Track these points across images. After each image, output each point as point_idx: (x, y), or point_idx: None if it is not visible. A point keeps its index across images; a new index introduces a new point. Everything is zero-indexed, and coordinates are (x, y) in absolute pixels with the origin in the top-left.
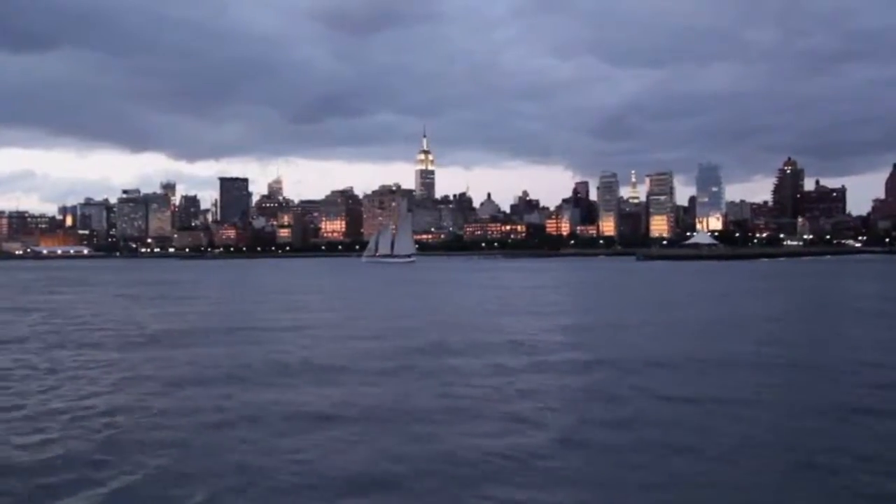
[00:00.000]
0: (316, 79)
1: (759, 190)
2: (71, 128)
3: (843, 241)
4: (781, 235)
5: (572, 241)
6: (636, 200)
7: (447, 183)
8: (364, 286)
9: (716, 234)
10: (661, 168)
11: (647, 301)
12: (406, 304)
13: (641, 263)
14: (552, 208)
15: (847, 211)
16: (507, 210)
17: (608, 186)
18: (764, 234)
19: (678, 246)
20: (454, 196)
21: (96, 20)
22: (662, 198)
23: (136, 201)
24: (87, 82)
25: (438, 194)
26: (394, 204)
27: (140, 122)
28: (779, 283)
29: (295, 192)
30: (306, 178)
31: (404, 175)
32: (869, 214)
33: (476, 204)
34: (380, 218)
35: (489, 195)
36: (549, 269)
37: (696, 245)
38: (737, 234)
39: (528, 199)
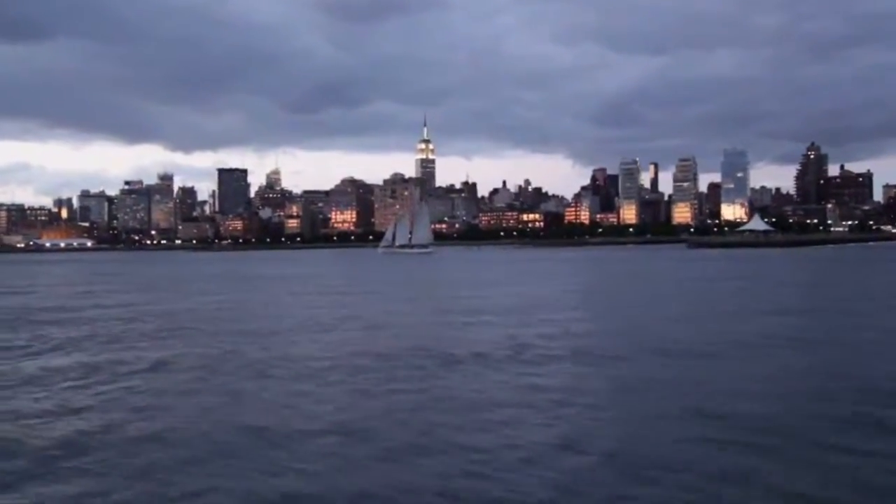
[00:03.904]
0: (315, 68)
1: (763, 176)
2: (66, 119)
3: (880, 227)
4: (829, 222)
5: (599, 230)
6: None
7: (447, 172)
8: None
9: (774, 220)
10: (665, 155)
11: None
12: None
13: (696, 251)
14: (560, 196)
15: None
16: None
17: (629, 174)
18: (813, 221)
19: (732, 233)
20: (462, 184)
21: (91, 8)
22: (686, 184)
23: (138, 193)
24: (83, 72)
25: (438, 184)
26: (406, 193)
27: (136, 112)
28: None
29: (293, 182)
30: (304, 168)
31: (404, 165)
32: (891, 199)
33: (479, 193)
34: (396, 207)
35: (504, 183)
36: (605, 258)
37: (751, 232)
38: (791, 221)
39: (532, 188)
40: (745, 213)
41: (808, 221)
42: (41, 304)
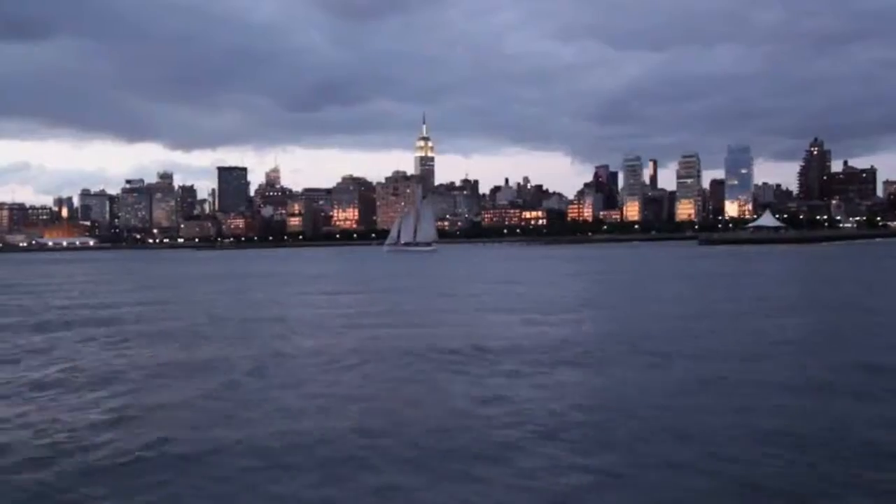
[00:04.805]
0: (314, 66)
1: (763, 172)
2: (66, 118)
3: (887, 223)
4: (838, 218)
5: (604, 227)
6: None
7: (446, 170)
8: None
9: (785, 217)
10: (664, 151)
11: None
12: None
13: (708, 248)
14: (561, 194)
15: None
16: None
17: (632, 170)
18: (823, 217)
19: (743, 229)
20: (464, 182)
21: (90, 7)
22: (689, 181)
23: (138, 191)
24: (83, 71)
25: (438, 182)
26: (408, 190)
27: (136, 111)
28: None
29: (292, 181)
30: (303, 166)
31: (403, 163)
32: (891, 195)
33: (480, 191)
34: (402, 204)
35: (507, 181)
36: (617, 255)
37: (760, 228)
38: (801, 217)
39: (532, 185)
40: (749, 210)
41: (817, 218)
42: (84, 301)
